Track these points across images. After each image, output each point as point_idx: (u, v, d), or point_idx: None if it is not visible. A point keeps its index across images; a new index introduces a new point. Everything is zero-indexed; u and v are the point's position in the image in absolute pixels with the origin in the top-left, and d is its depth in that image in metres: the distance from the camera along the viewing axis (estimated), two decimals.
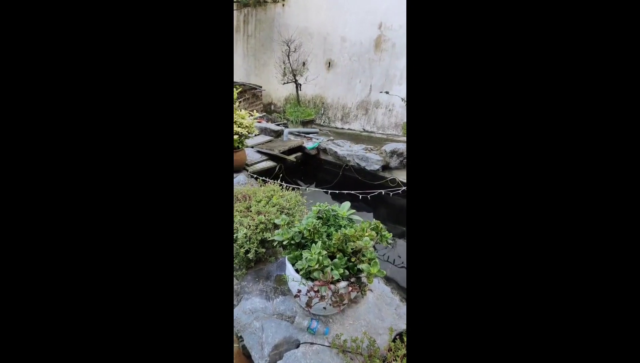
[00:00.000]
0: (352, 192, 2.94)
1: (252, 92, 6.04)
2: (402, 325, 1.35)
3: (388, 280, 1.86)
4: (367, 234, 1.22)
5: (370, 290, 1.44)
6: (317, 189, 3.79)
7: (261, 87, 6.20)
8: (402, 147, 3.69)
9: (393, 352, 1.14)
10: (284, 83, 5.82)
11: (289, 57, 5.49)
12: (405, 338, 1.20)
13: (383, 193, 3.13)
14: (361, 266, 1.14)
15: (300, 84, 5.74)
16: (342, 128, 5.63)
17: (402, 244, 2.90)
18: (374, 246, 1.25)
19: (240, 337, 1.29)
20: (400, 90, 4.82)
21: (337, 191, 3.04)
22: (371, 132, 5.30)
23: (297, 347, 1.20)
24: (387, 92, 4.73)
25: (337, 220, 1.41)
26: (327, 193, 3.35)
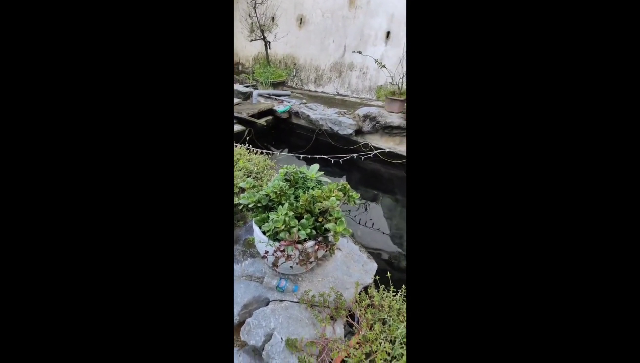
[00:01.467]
0: (325, 156, 2.91)
1: None
2: (369, 280, 1.43)
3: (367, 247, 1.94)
4: (334, 194, 1.22)
5: (339, 249, 1.48)
6: (289, 154, 3.71)
7: None
8: (375, 111, 3.65)
9: (358, 303, 1.21)
10: (252, 40, 5.34)
11: (255, 10, 4.98)
12: (369, 291, 1.27)
13: (355, 157, 3.14)
14: (328, 225, 1.15)
15: (270, 42, 5.31)
16: (316, 91, 5.42)
17: (374, 207, 2.99)
18: (348, 210, 1.25)
19: None
20: (375, 51, 4.64)
21: (309, 156, 3.00)
22: (345, 95, 5.16)
23: (267, 305, 1.23)
24: (359, 52, 4.52)
25: (305, 182, 1.39)
26: (299, 158, 3.29)
